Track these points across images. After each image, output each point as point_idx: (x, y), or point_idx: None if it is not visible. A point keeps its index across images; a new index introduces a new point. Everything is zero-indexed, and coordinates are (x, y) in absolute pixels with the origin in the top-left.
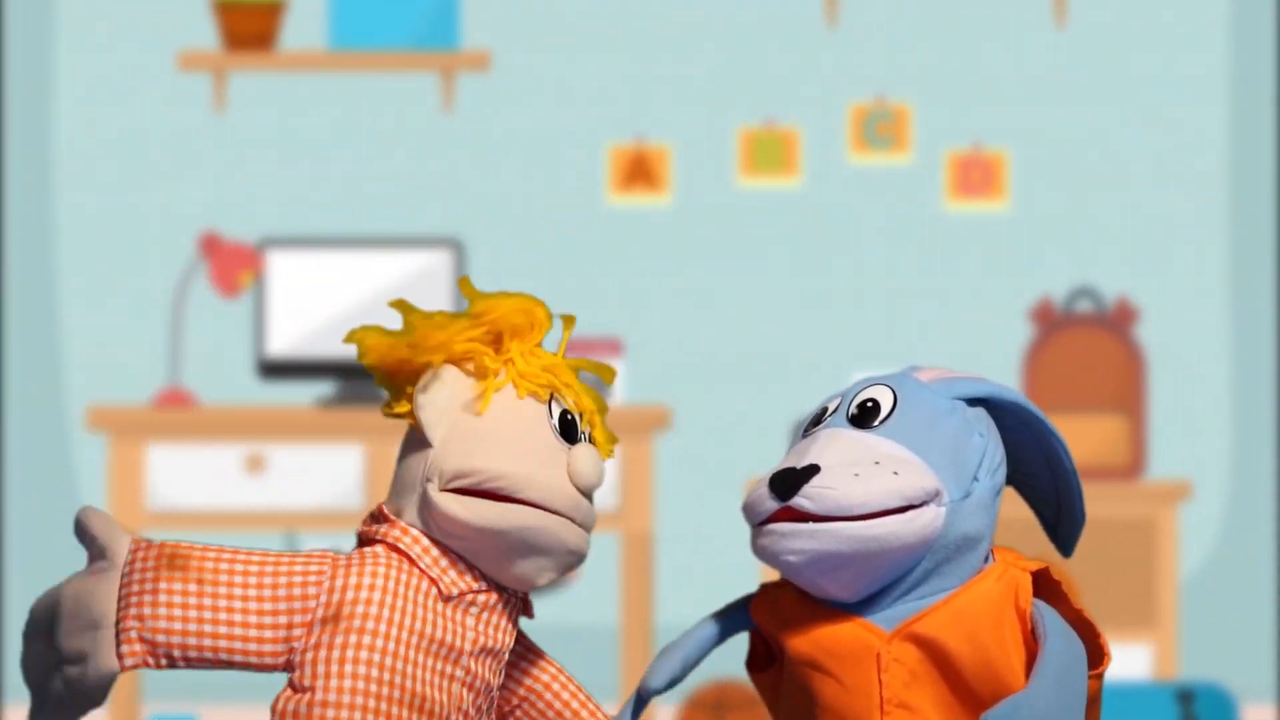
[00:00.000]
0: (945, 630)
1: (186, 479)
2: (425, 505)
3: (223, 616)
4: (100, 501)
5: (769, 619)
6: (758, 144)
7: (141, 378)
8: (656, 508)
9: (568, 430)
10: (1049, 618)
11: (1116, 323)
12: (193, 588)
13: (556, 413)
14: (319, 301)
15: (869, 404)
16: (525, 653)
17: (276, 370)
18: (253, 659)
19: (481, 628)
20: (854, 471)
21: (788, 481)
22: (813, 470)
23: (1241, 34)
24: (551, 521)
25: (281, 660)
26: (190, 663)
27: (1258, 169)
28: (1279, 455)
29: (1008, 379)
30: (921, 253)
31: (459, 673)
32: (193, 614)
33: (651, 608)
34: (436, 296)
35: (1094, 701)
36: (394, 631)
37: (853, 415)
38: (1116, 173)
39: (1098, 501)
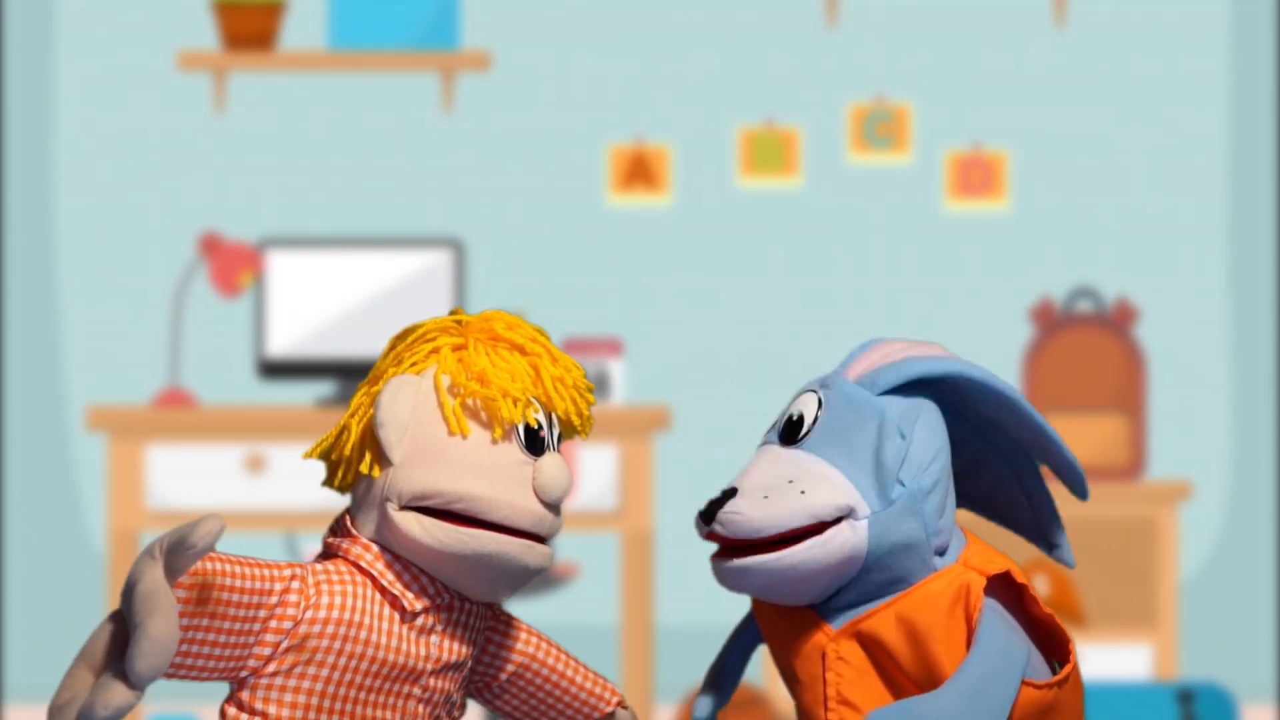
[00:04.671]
0: (887, 629)
1: (186, 479)
2: (385, 523)
3: (217, 652)
4: (100, 501)
5: (760, 617)
6: (757, 144)
7: (141, 378)
8: (656, 508)
9: (534, 442)
10: (986, 628)
11: (1116, 323)
12: (204, 622)
13: (522, 425)
14: (319, 301)
15: (795, 418)
16: (507, 629)
17: (276, 370)
18: (207, 678)
19: (446, 643)
20: (764, 494)
21: (710, 508)
22: (730, 494)
23: (1241, 34)
24: (514, 546)
25: (240, 676)
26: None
27: (1258, 169)
28: (1279, 455)
29: (1008, 379)
30: (921, 253)
31: (416, 690)
32: (194, 648)
33: (651, 608)
34: (436, 296)
35: (1050, 710)
36: (350, 663)
37: (783, 432)
38: (1116, 173)
39: (1098, 502)
